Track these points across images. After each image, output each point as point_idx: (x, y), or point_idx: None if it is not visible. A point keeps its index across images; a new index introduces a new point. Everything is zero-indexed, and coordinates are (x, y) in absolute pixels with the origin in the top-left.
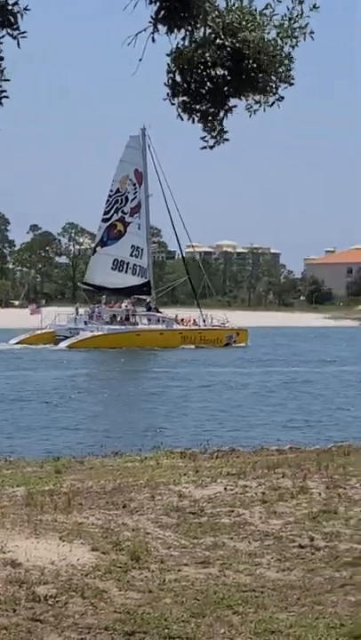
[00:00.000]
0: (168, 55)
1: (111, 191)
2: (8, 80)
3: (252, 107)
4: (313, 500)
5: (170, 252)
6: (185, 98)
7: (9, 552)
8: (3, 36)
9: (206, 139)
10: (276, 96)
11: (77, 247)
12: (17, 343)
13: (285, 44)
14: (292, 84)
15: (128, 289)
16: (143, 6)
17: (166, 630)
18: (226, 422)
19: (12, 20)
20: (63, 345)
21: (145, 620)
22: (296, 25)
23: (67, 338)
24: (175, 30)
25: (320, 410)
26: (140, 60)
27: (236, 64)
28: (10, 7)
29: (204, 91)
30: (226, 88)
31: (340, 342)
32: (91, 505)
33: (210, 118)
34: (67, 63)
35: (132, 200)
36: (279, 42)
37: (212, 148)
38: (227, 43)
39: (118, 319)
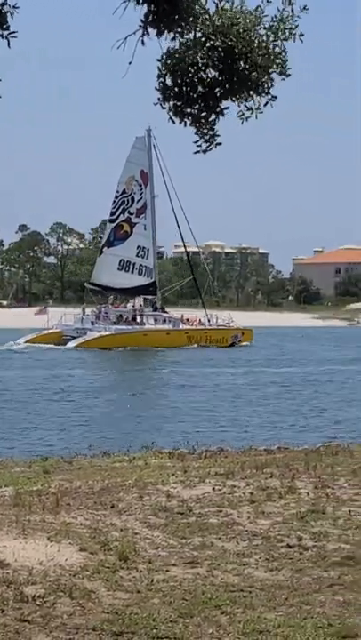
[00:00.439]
0: (159, 60)
1: (117, 192)
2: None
3: (243, 113)
4: (301, 500)
5: (159, 252)
6: (176, 102)
7: None
8: None
9: (199, 143)
10: (269, 96)
11: (66, 247)
12: (24, 343)
13: (278, 38)
14: (289, 75)
15: (134, 289)
16: (133, 9)
17: (154, 630)
18: (226, 422)
19: (2, 20)
20: (71, 345)
21: (133, 620)
22: (287, 26)
23: (74, 338)
24: (165, 33)
25: (315, 409)
26: (130, 62)
27: (228, 64)
28: None
29: (195, 94)
30: (217, 90)
31: (339, 343)
32: (79, 505)
33: (202, 121)
34: (67, 63)
35: (139, 201)
36: (271, 37)
37: (205, 152)
38: (217, 43)
39: (124, 319)
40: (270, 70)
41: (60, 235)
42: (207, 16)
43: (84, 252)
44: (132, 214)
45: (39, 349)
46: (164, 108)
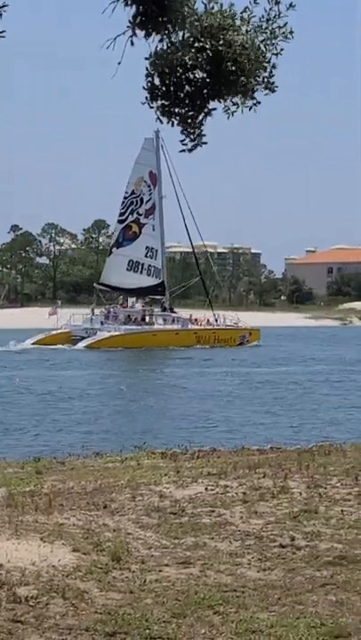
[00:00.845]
0: (147, 59)
1: (126, 193)
2: None
3: (229, 108)
4: (294, 500)
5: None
6: (164, 101)
7: None
8: None
9: (185, 142)
10: (254, 100)
11: (58, 248)
12: (33, 344)
13: (266, 47)
14: (275, 90)
15: (143, 289)
16: (122, 10)
17: (147, 631)
18: (225, 422)
19: None
20: (81, 345)
21: (126, 620)
22: (275, 25)
23: (83, 338)
24: (153, 34)
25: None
26: (119, 63)
27: (216, 67)
28: None
29: (182, 94)
30: (205, 91)
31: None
32: (72, 506)
33: (189, 121)
34: (66, 63)
35: (147, 202)
36: (262, 47)
37: (190, 151)
38: (206, 45)
39: (133, 319)
40: (257, 75)
41: (52, 235)
42: (195, 17)
43: (76, 253)
44: (140, 215)
45: (48, 350)
46: (151, 108)
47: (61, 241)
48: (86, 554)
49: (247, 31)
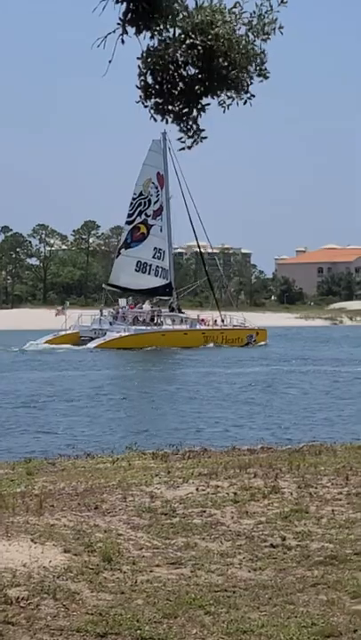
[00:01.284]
0: (139, 58)
1: (135, 194)
2: None
3: (225, 102)
4: (284, 500)
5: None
6: (157, 99)
7: None
8: None
9: (183, 139)
10: (248, 94)
11: (48, 249)
12: (42, 344)
13: (257, 38)
14: (268, 77)
15: (151, 290)
16: (113, 8)
17: (138, 631)
18: (230, 422)
19: None
20: (92, 345)
21: (117, 621)
22: (266, 20)
23: (91, 339)
24: (144, 31)
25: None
26: (110, 61)
27: (208, 62)
28: None
29: (176, 91)
30: (198, 87)
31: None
32: (62, 507)
33: (184, 118)
34: (65, 63)
35: (155, 203)
36: (251, 37)
37: (189, 148)
38: (197, 41)
39: (141, 320)
40: (249, 69)
41: (43, 236)
42: (186, 13)
43: (66, 254)
44: (148, 216)
45: (59, 350)
46: (145, 107)
47: (51, 242)
48: (77, 555)
49: (237, 26)
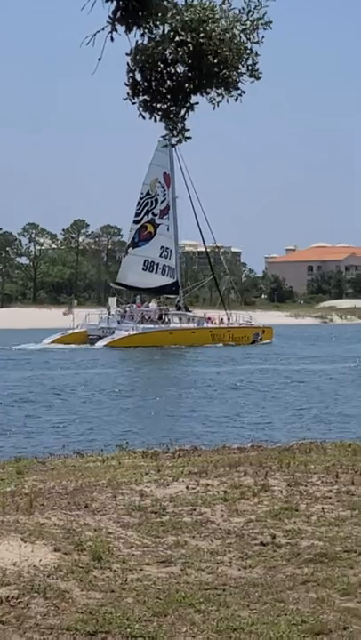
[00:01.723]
0: (128, 55)
1: (142, 193)
2: None
3: (214, 99)
4: (274, 498)
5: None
6: (146, 97)
7: None
8: None
9: (168, 137)
10: (238, 91)
11: (38, 248)
12: (51, 343)
13: (247, 37)
14: (259, 78)
15: (158, 289)
16: (102, 6)
17: (128, 630)
18: (220, 420)
19: None
20: (101, 344)
21: (107, 619)
22: (255, 16)
23: (99, 337)
24: (134, 29)
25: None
26: (100, 59)
27: (197, 60)
28: None
29: (164, 89)
30: (187, 85)
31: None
32: (53, 505)
33: (171, 116)
34: (65, 63)
35: (162, 202)
36: (242, 37)
37: (173, 146)
38: (187, 39)
39: (147, 318)
40: (239, 67)
41: (33, 235)
42: (176, 11)
43: (56, 253)
44: (155, 215)
45: (73, 349)
46: (134, 103)
47: (41, 241)
48: (67, 553)
49: (228, 23)
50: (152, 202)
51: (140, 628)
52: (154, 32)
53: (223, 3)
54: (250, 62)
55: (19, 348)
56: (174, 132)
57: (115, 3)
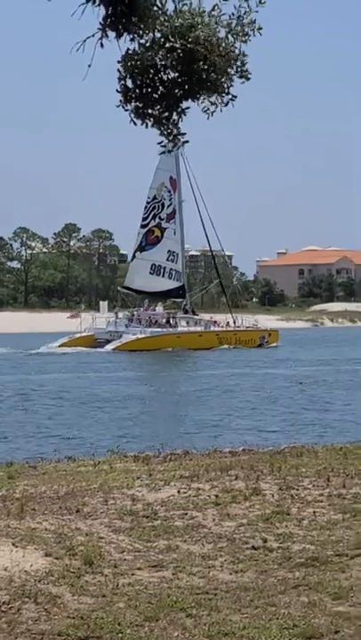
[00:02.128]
0: (119, 62)
1: (148, 198)
2: None
3: (208, 108)
4: (266, 502)
5: (122, 254)
6: (137, 103)
7: None
8: None
9: (163, 143)
10: (230, 95)
11: (29, 252)
12: (58, 347)
13: (237, 40)
14: (249, 78)
15: (165, 292)
16: (92, 12)
17: (120, 635)
18: (214, 424)
19: None
20: (109, 347)
21: (98, 624)
22: (245, 21)
23: (107, 341)
24: (124, 35)
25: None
26: (90, 65)
27: (188, 66)
28: None
29: (156, 95)
30: (177, 90)
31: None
32: (44, 510)
33: (163, 122)
34: (65, 63)
35: (168, 206)
36: (231, 39)
37: (170, 152)
38: (177, 45)
39: (154, 322)
40: (229, 71)
41: (24, 239)
42: (165, 17)
43: (47, 257)
44: (162, 219)
45: (82, 352)
46: (126, 110)
47: (32, 245)
48: (59, 558)
49: (217, 29)
50: (159, 206)
51: (131, 633)
52: (144, 38)
53: (213, 9)
54: (239, 63)
55: (33, 352)
56: (169, 138)
57: (105, 9)
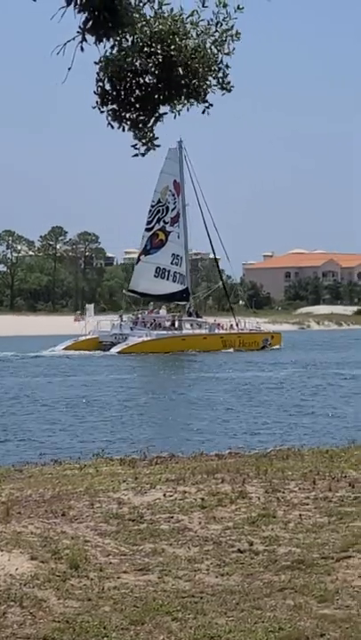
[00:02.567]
0: (96, 64)
1: (153, 201)
2: None
3: (179, 112)
4: (252, 505)
5: (108, 257)
6: (114, 106)
7: None
8: None
9: (137, 146)
10: (206, 103)
11: (15, 255)
12: (63, 349)
13: (217, 49)
14: (230, 90)
15: (169, 295)
16: (73, 16)
17: (105, 638)
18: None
19: None
20: (114, 350)
21: (84, 628)
22: (224, 27)
23: (112, 344)
24: (104, 39)
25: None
26: (69, 68)
27: (166, 71)
28: None
29: (133, 99)
30: (156, 96)
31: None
32: (30, 514)
33: (140, 126)
34: (65, 63)
35: (172, 210)
36: (213, 49)
37: (143, 155)
38: (157, 50)
39: (159, 324)
40: (209, 78)
41: (10, 242)
42: (145, 22)
43: (33, 260)
44: (166, 223)
45: (87, 356)
46: (102, 112)
47: (18, 248)
48: (44, 562)
49: (197, 34)
50: (163, 210)
51: (117, 637)
52: (123, 43)
53: (192, 14)
54: (220, 75)
55: (39, 354)
56: (143, 142)
57: (85, 13)
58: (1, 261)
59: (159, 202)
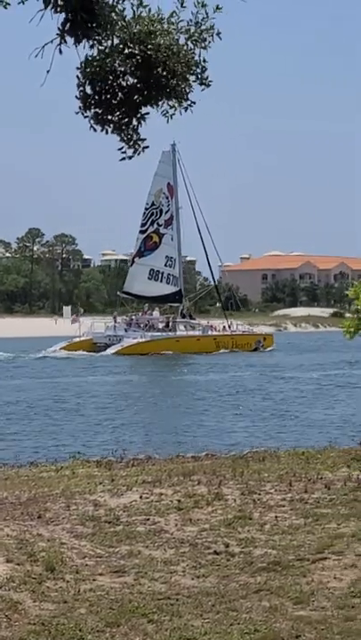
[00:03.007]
0: (78, 68)
1: (147, 204)
2: None
3: (167, 112)
4: (228, 507)
5: (85, 259)
6: (97, 109)
7: None
8: None
9: (124, 149)
10: (188, 102)
11: None
12: (59, 350)
13: (197, 47)
14: (209, 85)
15: (163, 297)
16: (50, 18)
17: None
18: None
19: None
20: (110, 351)
21: (60, 630)
22: (203, 27)
23: (106, 345)
24: (83, 41)
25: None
26: (48, 71)
27: (147, 72)
28: None
29: (115, 101)
30: (137, 97)
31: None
32: (5, 516)
33: (123, 128)
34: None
35: (166, 212)
36: (190, 45)
37: (130, 158)
38: (136, 51)
39: (152, 326)
40: (189, 77)
41: None
42: (124, 23)
43: (10, 261)
44: (160, 225)
45: (82, 357)
46: (85, 117)
47: None
48: (20, 564)
49: (175, 33)
50: (157, 212)
51: (92, 639)
52: (103, 44)
53: (172, 15)
54: (199, 70)
55: (37, 356)
56: (129, 144)
57: (63, 14)
58: None
59: (153, 204)
